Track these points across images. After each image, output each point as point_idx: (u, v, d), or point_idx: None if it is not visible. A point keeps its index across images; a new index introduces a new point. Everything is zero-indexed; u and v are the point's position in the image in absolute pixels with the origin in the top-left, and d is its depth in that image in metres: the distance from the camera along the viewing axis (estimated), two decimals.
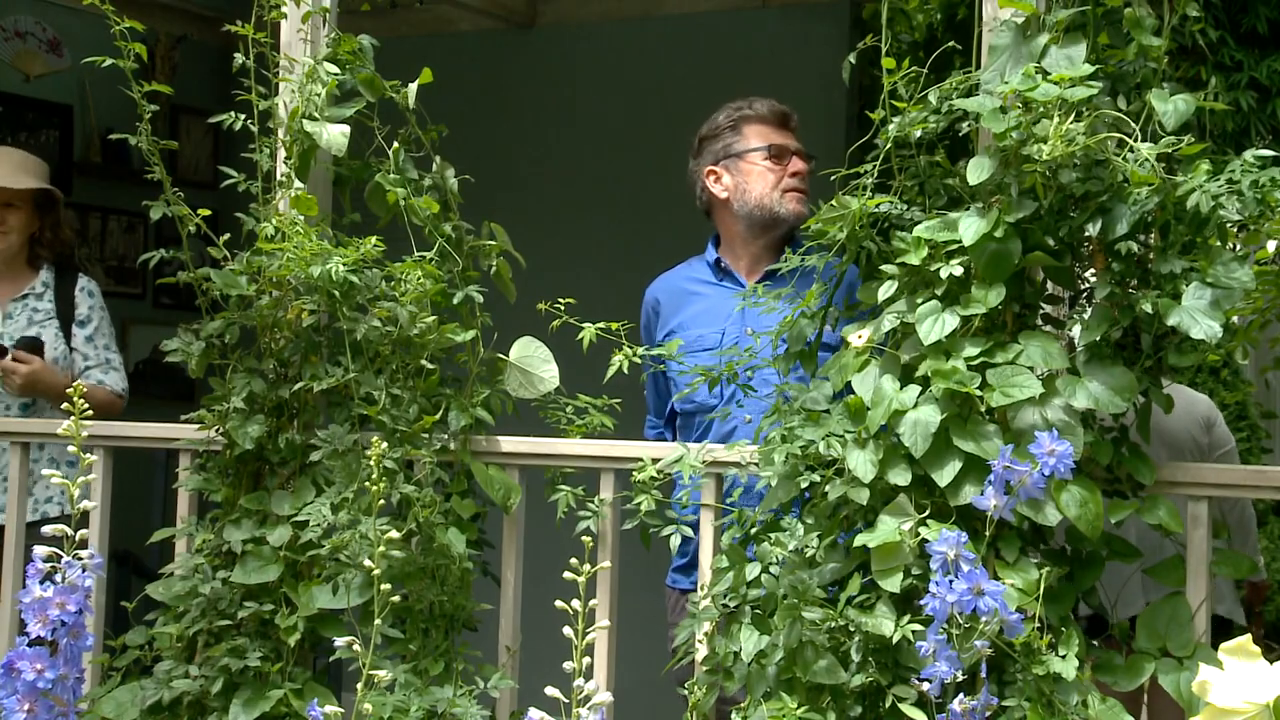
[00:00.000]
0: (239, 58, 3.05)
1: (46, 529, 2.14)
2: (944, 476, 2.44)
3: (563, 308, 2.93)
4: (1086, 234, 2.51)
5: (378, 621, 2.13)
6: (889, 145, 2.67)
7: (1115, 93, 2.57)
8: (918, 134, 2.66)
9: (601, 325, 2.95)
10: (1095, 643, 2.56)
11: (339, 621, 2.90)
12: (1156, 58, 2.55)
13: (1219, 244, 2.45)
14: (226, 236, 3.07)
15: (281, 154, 3.12)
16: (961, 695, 2.24)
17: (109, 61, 2.97)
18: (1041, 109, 2.46)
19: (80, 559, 2.06)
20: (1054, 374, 2.49)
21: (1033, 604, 2.36)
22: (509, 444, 3.03)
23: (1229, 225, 2.47)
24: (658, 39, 5.66)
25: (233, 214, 3.12)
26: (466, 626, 2.97)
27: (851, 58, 2.74)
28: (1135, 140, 2.43)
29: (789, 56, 5.40)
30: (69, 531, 2.11)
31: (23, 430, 3.51)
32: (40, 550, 2.08)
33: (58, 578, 2.06)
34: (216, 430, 3.06)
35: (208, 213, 3.06)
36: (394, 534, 2.28)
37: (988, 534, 2.40)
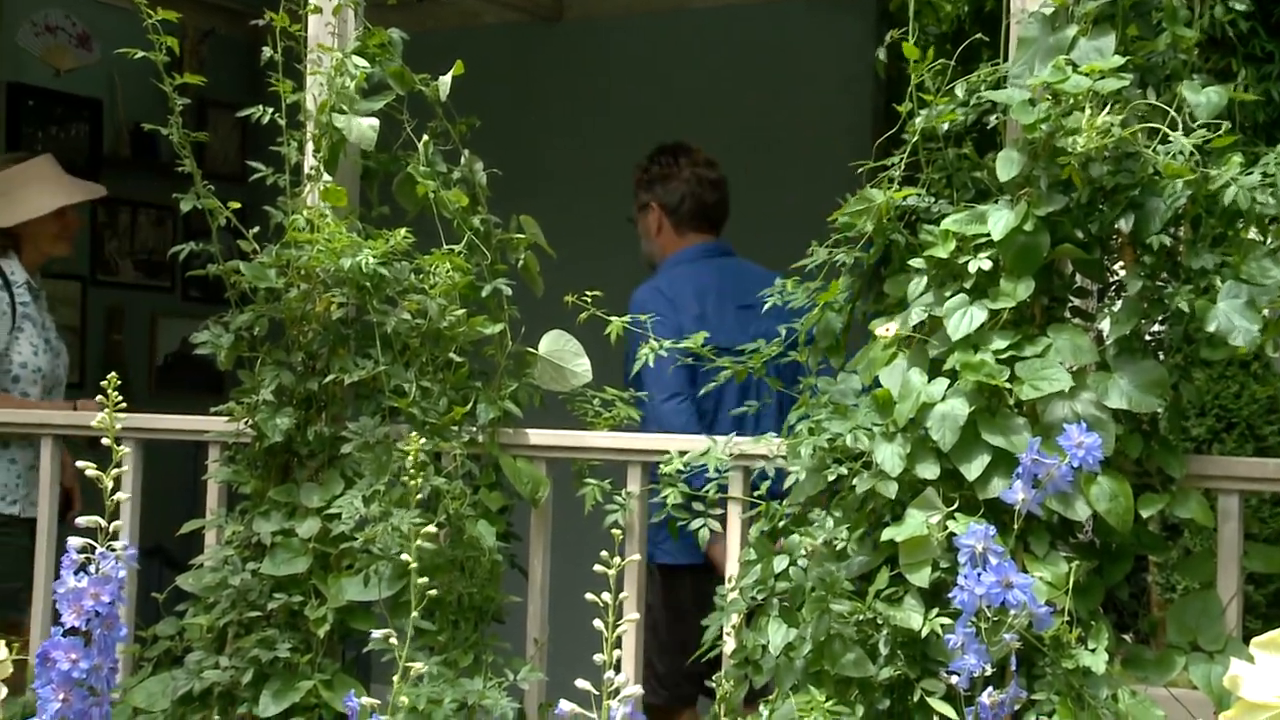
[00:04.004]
0: (267, 51, 3.06)
1: (80, 520, 2.15)
2: (972, 470, 2.43)
3: (589, 300, 2.94)
4: (1116, 227, 2.50)
5: (415, 614, 2.14)
6: (916, 138, 2.66)
7: (1145, 85, 2.56)
8: (945, 126, 2.65)
9: (628, 318, 2.96)
10: (1125, 637, 2.55)
11: (368, 613, 2.91)
12: (1187, 49, 2.54)
13: (1253, 238, 2.44)
14: (256, 230, 3.09)
15: (310, 147, 3.13)
16: (990, 689, 2.24)
17: (140, 54, 2.99)
18: (1072, 101, 2.45)
19: (114, 550, 2.07)
20: (1084, 368, 2.48)
21: (1062, 597, 2.35)
22: (537, 436, 3.04)
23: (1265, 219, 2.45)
24: (686, 32, 5.66)
25: (260, 207, 3.13)
26: (495, 619, 2.98)
27: (881, 51, 2.73)
28: (1174, 131, 2.42)
29: (816, 48, 5.40)
30: (102, 523, 2.12)
31: (57, 423, 3.54)
32: (74, 541, 2.09)
33: (91, 569, 2.06)
34: (245, 422, 3.07)
35: (238, 205, 3.07)
36: (431, 528, 2.28)
37: (1016, 527, 2.39)
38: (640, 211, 4.01)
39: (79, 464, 2.21)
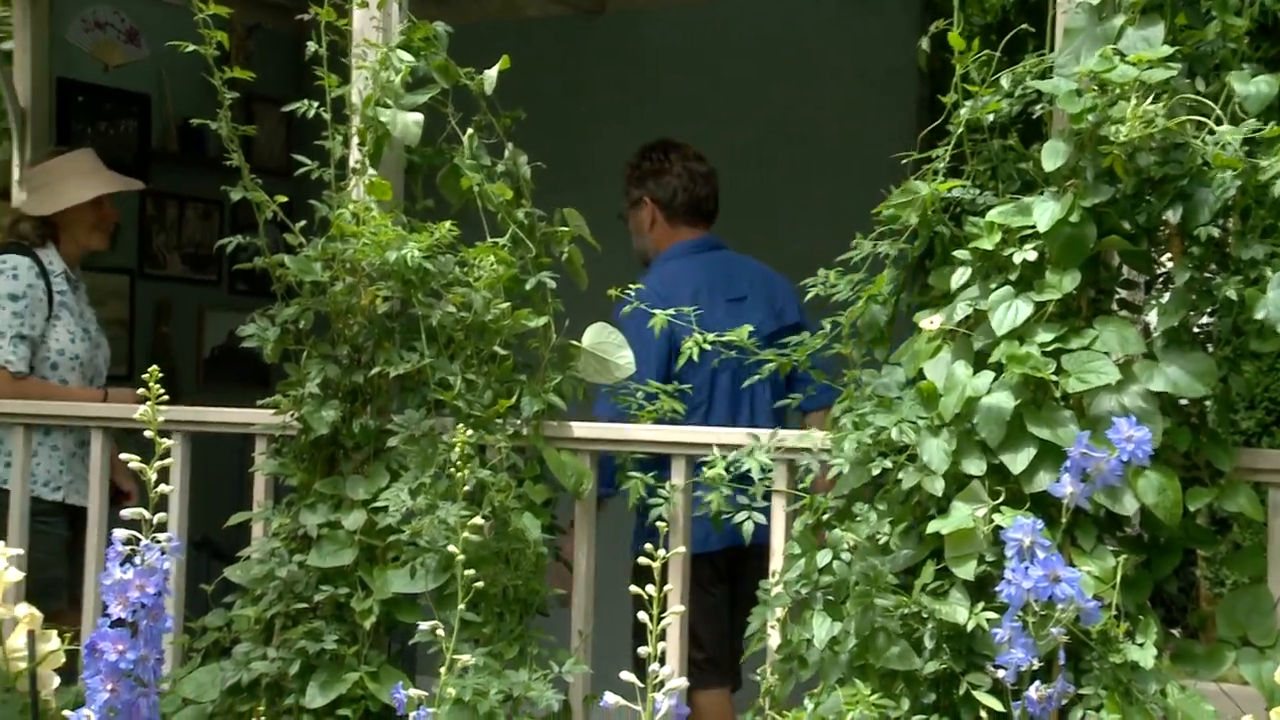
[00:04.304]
0: (312, 46, 3.07)
1: (125, 512, 2.17)
2: (1018, 463, 2.42)
3: (634, 293, 2.94)
4: (1164, 219, 2.48)
5: (461, 606, 2.15)
6: (961, 129, 2.65)
7: (1193, 74, 2.54)
8: (990, 118, 2.64)
9: (672, 311, 2.96)
10: (1174, 631, 2.53)
11: (414, 605, 2.92)
12: (1237, 38, 2.51)
13: None
14: (303, 224, 3.10)
15: (355, 141, 3.14)
16: (1038, 683, 2.22)
17: (192, 48, 3.01)
18: (1118, 91, 2.43)
19: (158, 542, 2.08)
20: (1131, 359, 2.46)
21: (1110, 592, 2.34)
22: (580, 429, 3.04)
23: None
24: (728, 22, 5.64)
25: (305, 201, 3.14)
26: (539, 611, 2.98)
27: (924, 42, 2.72)
28: (1220, 123, 2.39)
29: (858, 39, 5.37)
30: (146, 515, 2.13)
31: (105, 415, 3.57)
32: (119, 533, 2.11)
33: (137, 560, 2.08)
34: (292, 415, 3.09)
35: (285, 199, 3.09)
36: (479, 520, 2.29)
37: (1063, 521, 2.38)
38: (632, 208, 4.05)
39: (123, 456, 2.22)
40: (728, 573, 3.72)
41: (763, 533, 2.79)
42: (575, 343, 3.09)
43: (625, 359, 3.07)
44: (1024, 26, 2.82)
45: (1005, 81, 2.63)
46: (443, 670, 2.09)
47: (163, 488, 2.17)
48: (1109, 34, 2.52)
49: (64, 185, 4.26)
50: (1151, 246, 2.58)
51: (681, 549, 2.66)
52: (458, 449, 2.32)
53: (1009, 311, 2.49)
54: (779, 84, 5.53)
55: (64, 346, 4.16)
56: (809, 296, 2.88)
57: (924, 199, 2.64)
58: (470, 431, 2.90)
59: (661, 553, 1.98)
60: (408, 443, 2.95)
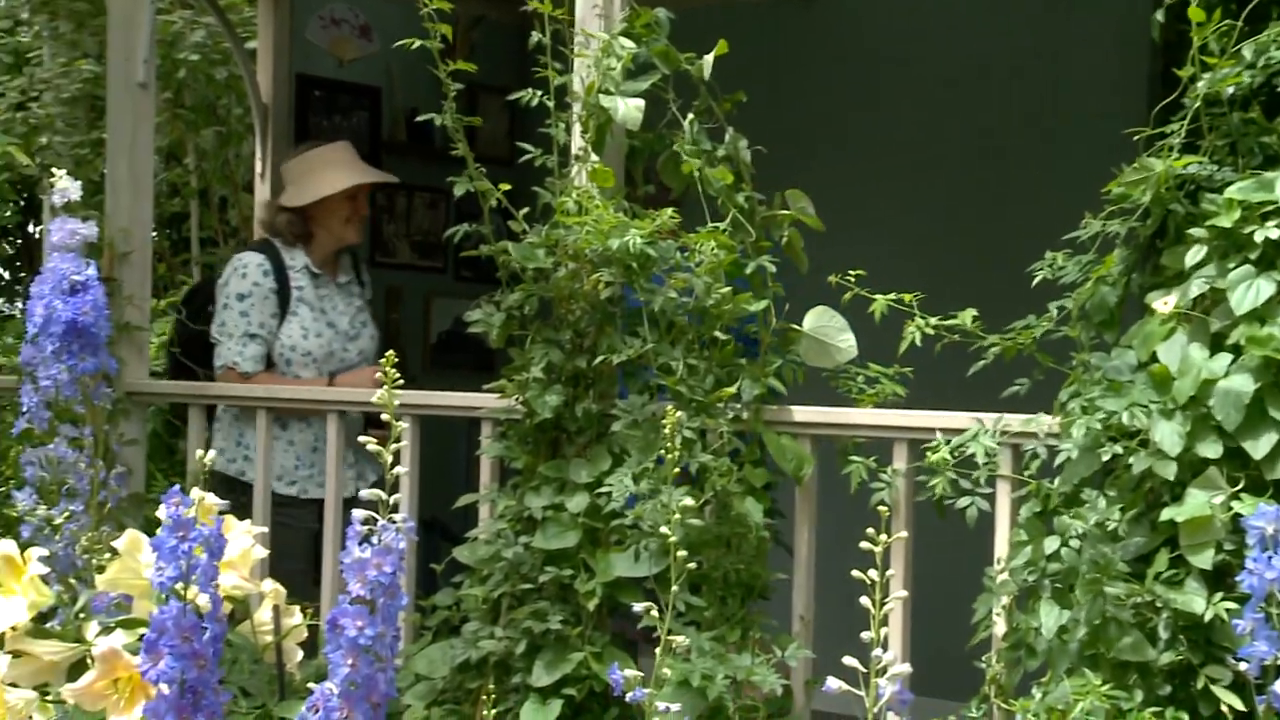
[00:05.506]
0: (536, 35, 3.13)
1: (364, 493, 2.24)
2: (1259, 449, 2.34)
3: (853, 280, 2.92)
4: None
5: (675, 588, 2.16)
6: (1198, 103, 2.56)
7: None
8: (1230, 90, 2.54)
9: (893, 296, 2.92)
10: None
11: (636, 588, 2.95)
12: None
13: None
14: (526, 210, 3.16)
15: (577, 129, 3.19)
16: None
17: (418, 43, 3.09)
18: None
19: (394, 523, 2.14)
20: None
21: None
22: (801, 413, 3.03)
23: None
24: (946, 6, 5.54)
25: (528, 188, 3.20)
26: (761, 595, 2.99)
27: (1159, 13, 2.64)
28: None
29: (1085, 12, 5.21)
30: (383, 496, 2.20)
31: (337, 400, 3.69)
32: (358, 514, 2.18)
33: (374, 540, 2.14)
34: (516, 399, 3.15)
35: (508, 187, 3.15)
36: (689, 502, 2.30)
37: None
38: None
39: (361, 438, 2.29)
40: None
41: None
42: (795, 326, 3.08)
43: (847, 342, 3.05)
44: None
45: (1248, 52, 2.54)
46: (658, 651, 2.11)
47: (397, 469, 2.24)
48: None
49: (320, 176, 4.27)
50: None
51: (904, 534, 2.63)
52: (669, 432, 2.33)
53: (1249, 291, 2.41)
54: (1000, 64, 5.41)
55: (295, 343, 4.17)
56: (1036, 281, 2.81)
57: (1158, 176, 2.56)
58: (691, 416, 2.92)
59: (883, 538, 1.97)
60: (630, 428, 2.99)
